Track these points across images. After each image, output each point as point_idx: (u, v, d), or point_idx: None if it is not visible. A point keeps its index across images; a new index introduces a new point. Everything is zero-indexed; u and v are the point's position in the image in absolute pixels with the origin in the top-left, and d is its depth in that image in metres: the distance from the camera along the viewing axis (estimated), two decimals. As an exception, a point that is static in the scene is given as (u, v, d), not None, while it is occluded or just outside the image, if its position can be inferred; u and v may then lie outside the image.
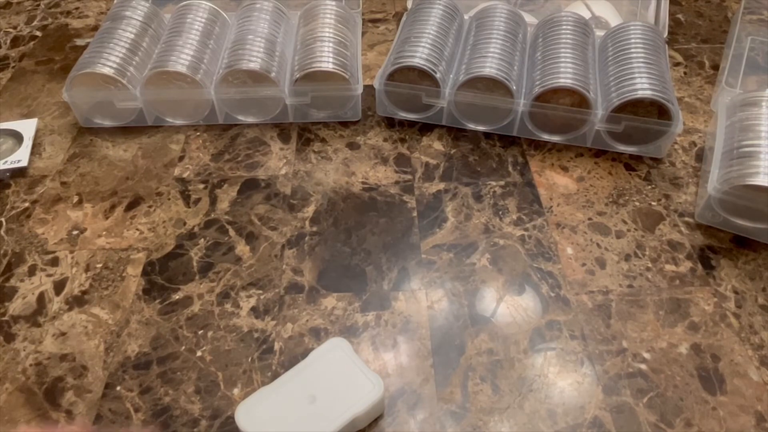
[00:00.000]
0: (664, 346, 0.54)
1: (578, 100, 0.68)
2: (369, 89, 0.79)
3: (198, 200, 0.67)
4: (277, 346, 0.54)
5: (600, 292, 0.58)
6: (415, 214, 0.65)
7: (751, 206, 0.60)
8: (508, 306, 0.57)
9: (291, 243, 0.62)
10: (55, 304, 0.57)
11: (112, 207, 0.66)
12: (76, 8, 0.97)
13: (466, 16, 0.81)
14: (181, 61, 0.71)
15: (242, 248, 0.62)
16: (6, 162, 0.70)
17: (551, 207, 0.66)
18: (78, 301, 0.57)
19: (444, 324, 0.56)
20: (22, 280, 0.59)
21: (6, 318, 0.56)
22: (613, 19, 0.84)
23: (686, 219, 0.64)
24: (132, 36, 0.75)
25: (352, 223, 0.64)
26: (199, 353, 0.54)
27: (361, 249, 0.62)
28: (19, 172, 0.70)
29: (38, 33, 0.92)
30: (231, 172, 0.70)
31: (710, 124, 0.75)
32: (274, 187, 0.68)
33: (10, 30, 0.93)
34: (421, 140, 0.73)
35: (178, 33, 0.75)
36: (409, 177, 0.69)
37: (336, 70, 0.70)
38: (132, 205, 0.66)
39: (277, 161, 0.71)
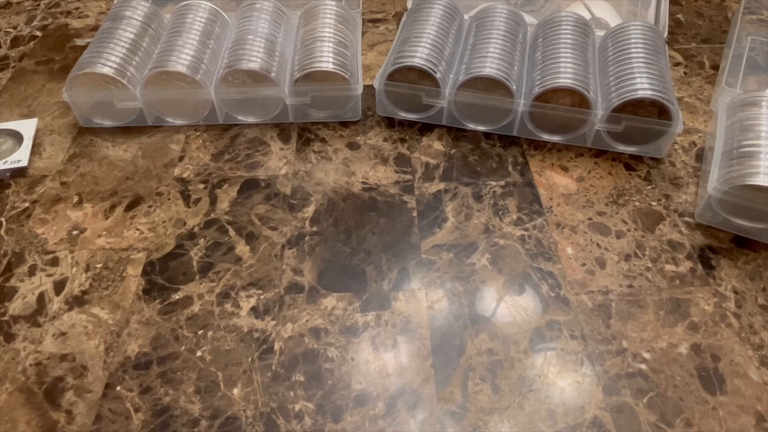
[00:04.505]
0: (664, 346, 0.54)
1: (578, 100, 0.68)
2: (369, 89, 0.79)
3: (198, 200, 0.67)
4: (277, 346, 0.54)
5: (600, 292, 0.58)
6: (415, 214, 0.65)
7: (751, 206, 0.60)
8: (508, 306, 0.57)
9: (291, 243, 0.62)
10: (55, 304, 0.57)
11: (112, 207, 0.66)
12: (76, 8, 0.97)
13: (466, 16, 0.81)
14: (181, 61, 0.71)
15: (242, 248, 0.62)
16: (6, 162, 0.70)
17: (551, 207, 0.66)
18: (78, 301, 0.57)
19: (444, 324, 0.56)
20: (22, 280, 0.59)
21: (6, 318, 0.56)
22: (613, 21, 0.84)
23: (686, 219, 0.64)
24: (132, 36, 0.75)
25: (352, 223, 0.64)
26: (199, 353, 0.54)
27: (361, 249, 0.62)
28: (19, 172, 0.70)
29: (38, 33, 0.92)
30: (231, 172, 0.70)
31: (710, 124, 0.75)
32: (274, 187, 0.68)
33: (10, 30, 0.93)
34: (421, 140, 0.73)
35: (178, 33, 0.75)
36: (409, 177, 0.69)
37: (336, 70, 0.70)
38: (132, 205, 0.66)
39: (277, 161, 0.71)
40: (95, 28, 0.92)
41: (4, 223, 0.65)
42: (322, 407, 0.50)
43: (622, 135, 0.69)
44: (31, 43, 0.90)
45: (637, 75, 0.68)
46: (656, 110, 0.67)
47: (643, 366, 0.52)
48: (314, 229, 0.64)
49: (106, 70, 0.70)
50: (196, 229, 0.64)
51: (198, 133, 0.75)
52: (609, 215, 0.65)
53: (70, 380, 0.52)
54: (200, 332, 0.55)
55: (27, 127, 0.74)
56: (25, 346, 0.54)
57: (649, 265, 0.60)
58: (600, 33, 0.79)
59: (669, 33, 0.86)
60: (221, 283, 0.59)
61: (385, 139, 0.74)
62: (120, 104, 0.72)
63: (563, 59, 0.70)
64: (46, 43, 0.90)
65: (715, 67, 0.84)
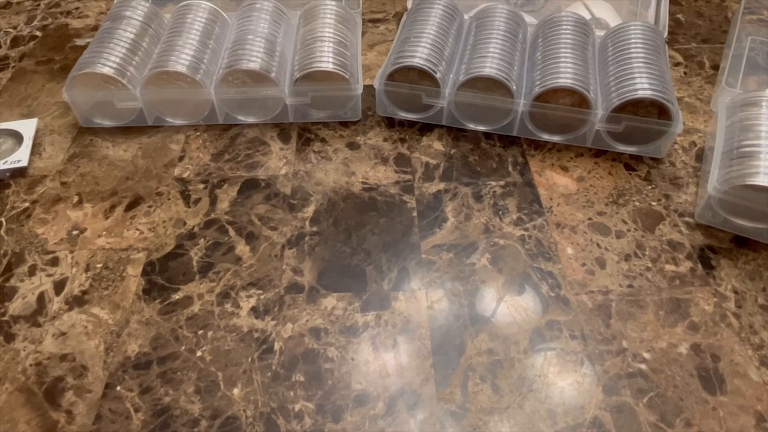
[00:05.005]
0: (664, 346, 0.54)
1: (578, 100, 0.68)
2: (369, 89, 0.79)
3: (198, 200, 0.67)
4: (277, 346, 0.54)
5: (600, 292, 0.58)
6: (415, 214, 0.65)
7: (751, 206, 0.60)
8: (508, 306, 0.57)
9: (291, 243, 0.62)
10: (55, 304, 0.57)
11: (112, 207, 0.66)
12: (76, 8, 0.97)
13: (466, 16, 0.81)
14: (181, 61, 0.71)
15: (242, 248, 0.62)
16: (6, 162, 0.70)
17: (551, 207, 0.66)
18: (78, 301, 0.57)
19: (444, 324, 0.56)
20: (22, 280, 0.59)
21: (6, 318, 0.56)
22: (613, 21, 0.84)
23: (686, 219, 0.64)
24: (132, 36, 0.75)
25: (352, 223, 0.64)
26: (199, 353, 0.54)
27: (361, 249, 0.62)
28: (19, 172, 0.70)
29: (38, 33, 0.92)
30: (231, 172, 0.70)
31: (710, 124, 0.75)
32: (274, 187, 0.68)
33: (10, 30, 0.93)
34: (421, 140, 0.73)
35: (178, 33, 0.75)
36: (409, 177, 0.69)
37: (336, 70, 0.70)
38: (132, 205, 0.66)
39: (277, 161, 0.71)
40: (95, 28, 0.92)
41: (4, 223, 0.65)
42: (322, 407, 0.50)
43: (622, 135, 0.69)
44: (31, 43, 0.90)
45: (637, 75, 0.68)
46: (656, 110, 0.67)
47: (643, 366, 0.52)
48: (314, 229, 0.64)
49: (106, 70, 0.70)
50: (196, 229, 0.64)
51: (198, 133, 0.75)
52: (609, 215, 0.65)
53: (70, 380, 0.52)
54: (200, 332, 0.55)
55: (27, 127, 0.74)
56: (25, 346, 0.54)
57: (649, 265, 0.60)
58: (600, 33, 0.79)
59: (669, 33, 0.86)
60: (221, 283, 0.59)
61: (385, 139, 0.74)
62: (120, 104, 0.72)
63: (563, 59, 0.70)
64: (46, 43, 0.90)
65: (715, 67, 0.84)
